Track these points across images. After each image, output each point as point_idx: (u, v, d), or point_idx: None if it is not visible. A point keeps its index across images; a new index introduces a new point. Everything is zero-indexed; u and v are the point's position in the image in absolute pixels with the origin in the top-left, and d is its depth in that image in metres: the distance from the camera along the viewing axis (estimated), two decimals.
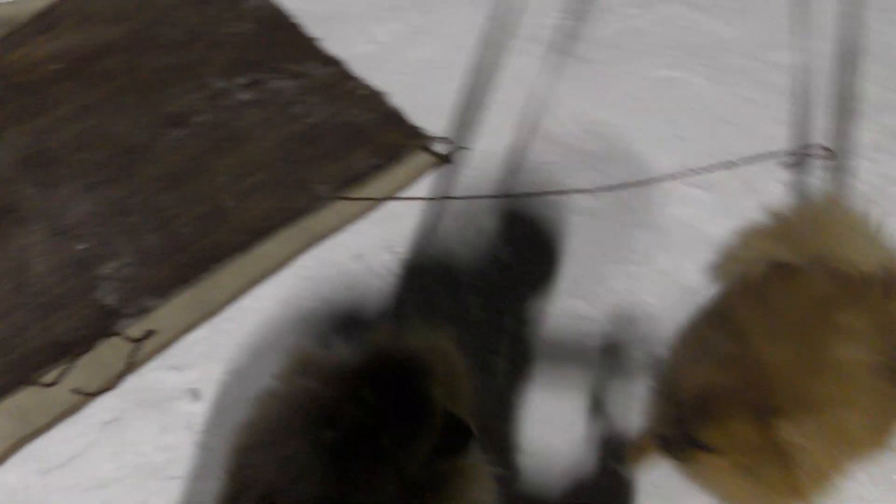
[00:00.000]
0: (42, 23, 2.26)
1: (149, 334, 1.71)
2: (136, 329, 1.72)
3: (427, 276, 1.77)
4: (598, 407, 1.52)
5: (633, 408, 1.49)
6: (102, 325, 1.72)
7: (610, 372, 1.56)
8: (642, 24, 2.27)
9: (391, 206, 1.89)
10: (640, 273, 1.73)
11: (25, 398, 1.61)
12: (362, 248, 1.83)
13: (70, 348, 1.69)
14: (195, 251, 1.83)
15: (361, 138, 2.01)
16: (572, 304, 1.68)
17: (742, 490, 1.13)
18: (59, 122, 2.09)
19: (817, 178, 1.87)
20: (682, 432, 1.12)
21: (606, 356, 1.59)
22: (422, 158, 1.98)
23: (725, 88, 2.08)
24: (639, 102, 2.08)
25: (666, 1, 2.31)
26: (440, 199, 1.89)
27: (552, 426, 1.49)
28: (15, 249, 1.85)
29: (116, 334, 1.71)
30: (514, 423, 1.50)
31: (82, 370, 1.67)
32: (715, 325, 1.21)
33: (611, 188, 1.86)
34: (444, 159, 1.97)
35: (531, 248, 1.81)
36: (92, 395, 1.60)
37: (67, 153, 2.02)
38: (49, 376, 1.64)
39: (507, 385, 1.55)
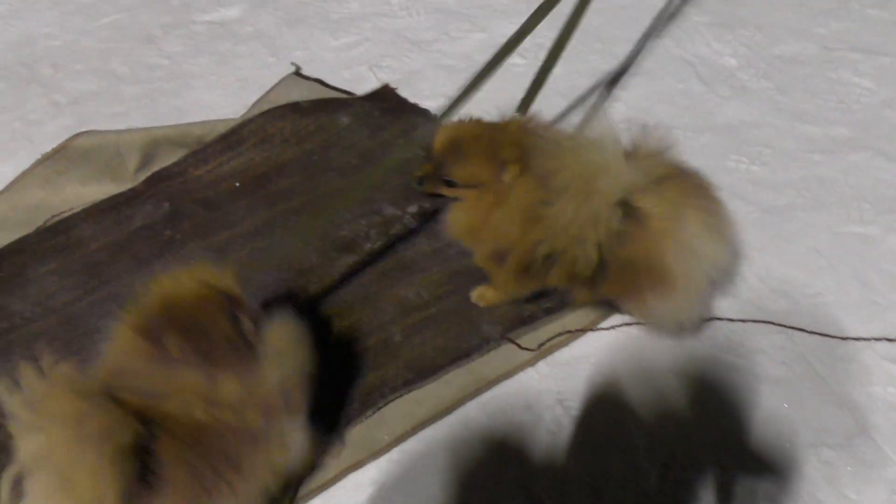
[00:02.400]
0: (227, 142, 2.45)
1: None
2: None
3: (599, 437, 1.76)
4: None
5: None
6: None
7: None
8: (828, 172, 2.24)
9: (563, 355, 1.91)
10: (837, 459, 1.66)
11: None
12: (532, 397, 1.84)
13: None
14: (361, 387, 1.89)
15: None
16: (761, 485, 1.63)
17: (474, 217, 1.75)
18: (235, 238, 2.23)
19: None
20: (437, 174, 1.75)
21: None
22: (595, 306, 1.99)
23: None
24: (827, 260, 2.04)
25: (855, 148, 2.28)
26: (613, 327, 1.89)
27: None
28: None
29: None
30: None
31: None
32: None
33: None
34: (618, 309, 1.97)
35: (714, 414, 1.77)
36: None
37: (242, 271, 2.15)
38: None
39: None
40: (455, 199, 1.78)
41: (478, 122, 1.79)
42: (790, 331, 1.89)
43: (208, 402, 1.34)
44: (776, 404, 1.78)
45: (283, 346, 1.49)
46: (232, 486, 1.35)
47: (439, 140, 1.77)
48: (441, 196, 1.80)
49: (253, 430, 1.39)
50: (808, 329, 1.88)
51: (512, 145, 1.69)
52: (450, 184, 1.75)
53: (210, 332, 1.42)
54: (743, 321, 1.92)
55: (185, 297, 1.45)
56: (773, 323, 1.91)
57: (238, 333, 1.44)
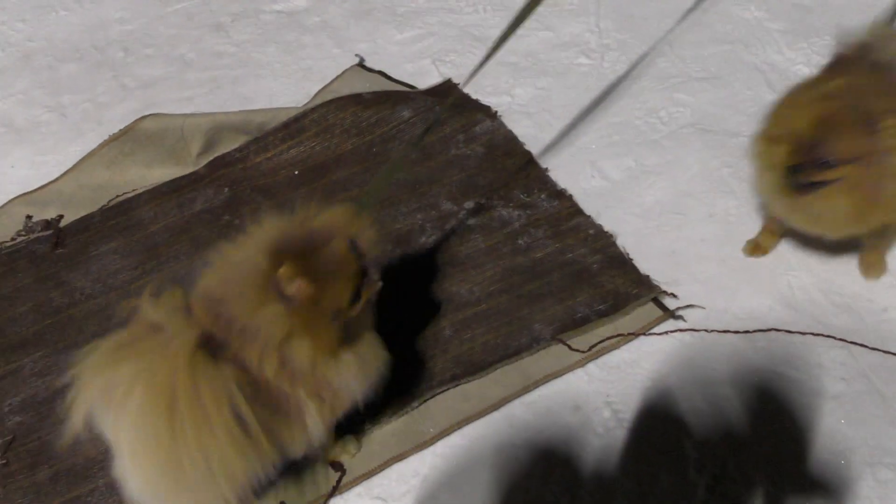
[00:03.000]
0: (288, 130, 2.50)
1: (340, 469, 1.78)
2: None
3: (648, 444, 1.75)
4: None
5: None
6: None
7: None
8: None
9: (612, 358, 1.90)
10: (894, 479, 1.62)
11: None
12: (580, 399, 1.84)
13: None
14: (409, 378, 1.91)
15: (586, 280, 2.05)
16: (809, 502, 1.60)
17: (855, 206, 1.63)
18: None
19: None
20: (809, 157, 1.60)
21: None
22: (648, 310, 1.98)
23: None
24: (892, 276, 1.99)
25: None
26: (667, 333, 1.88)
27: None
28: None
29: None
30: None
31: (290, 488, 1.77)
32: None
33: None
34: (672, 315, 1.96)
35: (768, 428, 1.74)
36: None
37: None
38: None
39: None
40: (831, 182, 1.62)
41: (830, 87, 1.64)
42: (851, 346, 1.85)
43: (278, 353, 1.38)
44: (833, 421, 1.74)
45: (369, 354, 1.52)
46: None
47: (803, 120, 1.62)
48: (814, 185, 1.63)
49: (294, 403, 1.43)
50: (871, 345, 1.84)
51: (881, 103, 1.56)
52: (827, 166, 1.60)
53: (329, 259, 1.42)
54: (803, 334, 1.89)
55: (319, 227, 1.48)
56: (833, 337, 1.87)
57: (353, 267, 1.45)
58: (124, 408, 1.32)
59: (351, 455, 1.79)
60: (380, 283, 1.50)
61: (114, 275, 2.26)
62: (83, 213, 2.44)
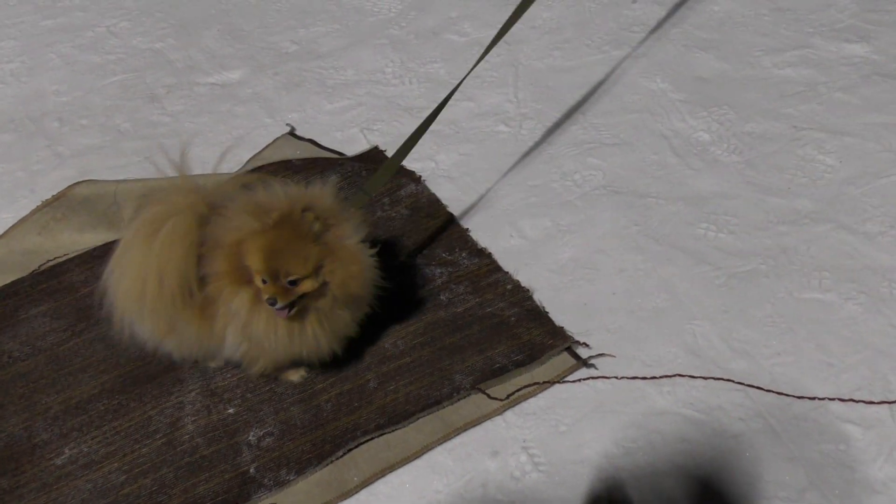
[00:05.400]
0: None
1: None
2: (266, 502, 1.84)
3: (562, 486, 1.83)
4: None
5: None
6: (240, 493, 1.86)
7: None
8: (791, 242, 2.36)
9: (529, 405, 1.99)
10: None
11: None
12: (498, 445, 1.92)
13: None
14: (335, 429, 1.97)
15: (505, 332, 2.15)
16: None
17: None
18: None
19: None
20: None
21: None
22: (562, 359, 2.09)
23: (882, 318, 2.12)
24: (787, 324, 2.14)
25: (818, 220, 2.41)
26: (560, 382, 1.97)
27: None
28: (171, 406, 2.05)
29: None
30: None
31: None
32: None
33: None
34: (585, 363, 2.07)
35: (672, 466, 1.84)
36: None
37: None
38: None
39: None
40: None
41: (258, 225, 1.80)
42: (748, 389, 1.98)
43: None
44: (733, 458, 1.85)
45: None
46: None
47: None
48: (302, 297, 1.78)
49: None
50: (766, 387, 1.97)
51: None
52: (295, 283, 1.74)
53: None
54: (704, 378, 2.01)
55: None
56: (732, 381, 2.00)
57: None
58: (128, 225, 1.89)
59: (298, 377, 2.08)
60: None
61: (42, 337, 2.27)
62: (13, 278, 2.46)
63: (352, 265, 1.76)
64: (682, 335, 2.13)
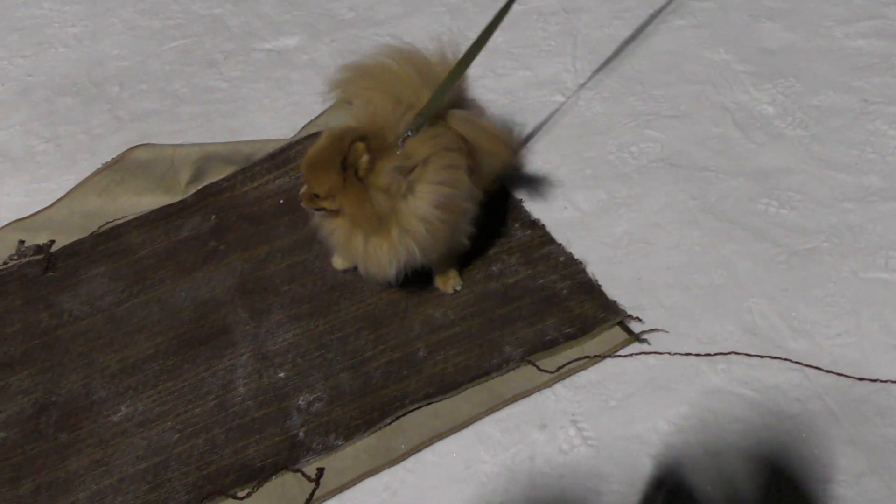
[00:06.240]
0: (275, 161, 2.60)
1: (321, 473, 1.84)
2: (312, 467, 1.86)
3: (609, 462, 1.81)
4: None
5: None
6: (289, 456, 1.89)
7: None
8: (857, 219, 2.27)
9: (579, 379, 1.97)
10: (845, 496, 1.68)
11: None
12: (547, 418, 1.90)
13: (258, 473, 1.86)
14: (384, 396, 1.98)
15: (556, 305, 2.12)
16: None
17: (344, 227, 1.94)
18: (275, 252, 2.36)
19: None
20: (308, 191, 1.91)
21: None
22: (614, 334, 2.05)
23: None
24: (850, 303, 2.07)
25: (886, 198, 2.31)
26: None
27: None
28: (223, 369, 2.08)
29: (297, 470, 1.86)
30: None
31: (265, 497, 1.83)
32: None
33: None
34: (637, 338, 2.03)
35: (725, 446, 1.81)
36: None
37: (279, 283, 2.28)
38: (241, 493, 1.82)
39: None
40: (330, 210, 1.91)
41: (327, 134, 1.91)
42: (807, 369, 1.92)
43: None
44: (789, 439, 1.81)
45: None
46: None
47: (303, 163, 1.93)
48: (321, 211, 1.94)
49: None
50: (825, 368, 1.91)
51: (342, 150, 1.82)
52: (318, 198, 1.89)
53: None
54: (761, 357, 1.96)
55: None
56: (790, 360, 1.94)
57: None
58: None
59: (453, 287, 2.18)
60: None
61: (101, 297, 2.33)
62: (74, 239, 2.52)
63: (362, 205, 1.83)
64: (738, 313, 2.08)
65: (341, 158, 1.79)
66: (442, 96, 1.93)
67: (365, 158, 1.79)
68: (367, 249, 1.91)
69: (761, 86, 2.74)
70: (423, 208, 1.86)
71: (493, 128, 2.16)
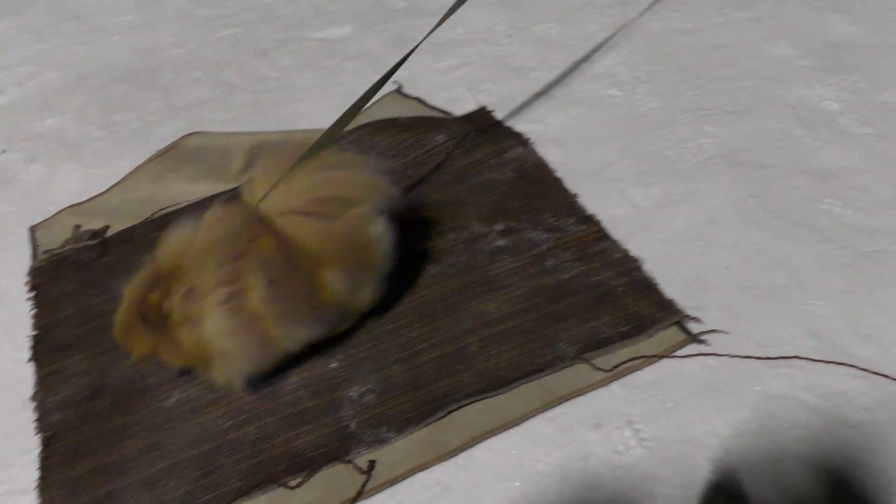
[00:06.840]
0: None
1: (372, 465, 1.83)
2: (364, 459, 1.85)
3: (666, 465, 1.77)
4: None
5: None
6: (340, 447, 1.88)
7: None
8: None
9: (635, 379, 1.93)
10: None
11: (270, 500, 1.80)
12: (602, 417, 1.87)
13: (309, 463, 1.86)
14: (435, 390, 1.96)
15: (611, 302, 2.08)
16: None
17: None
18: None
19: None
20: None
21: None
22: (671, 333, 2.01)
23: None
24: None
25: None
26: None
27: None
28: None
29: (349, 462, 1.85)
30: None
31: (316, 487, 1.82)
32: None
33: None
34: (696, 339, 1.98)
35: (785, 452, 1.76)
36: None
37: None
38: (293, 482, 1.81)
39: None
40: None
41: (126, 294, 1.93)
42: (874, 376, 1.86)
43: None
44: (854, 449, 1.75)
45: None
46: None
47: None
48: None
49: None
50: (894, 376, 1.85)
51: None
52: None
53: None
54: (826, 362, 1.90)
55: None
56: (857, 367, 1.88)
57: None
58: None
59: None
60: None
61: None
62: (128, 225, 2.54)
63: (179, 349, 1.83)
64: (800, 315, 2.02)
65: (141, 317, 1.78)
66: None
67: (161, 304, 1.76)
68: (217, 378, 1.90)
69: (825, 81, 2.67)
70: (221, 322, 1.77)
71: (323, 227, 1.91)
